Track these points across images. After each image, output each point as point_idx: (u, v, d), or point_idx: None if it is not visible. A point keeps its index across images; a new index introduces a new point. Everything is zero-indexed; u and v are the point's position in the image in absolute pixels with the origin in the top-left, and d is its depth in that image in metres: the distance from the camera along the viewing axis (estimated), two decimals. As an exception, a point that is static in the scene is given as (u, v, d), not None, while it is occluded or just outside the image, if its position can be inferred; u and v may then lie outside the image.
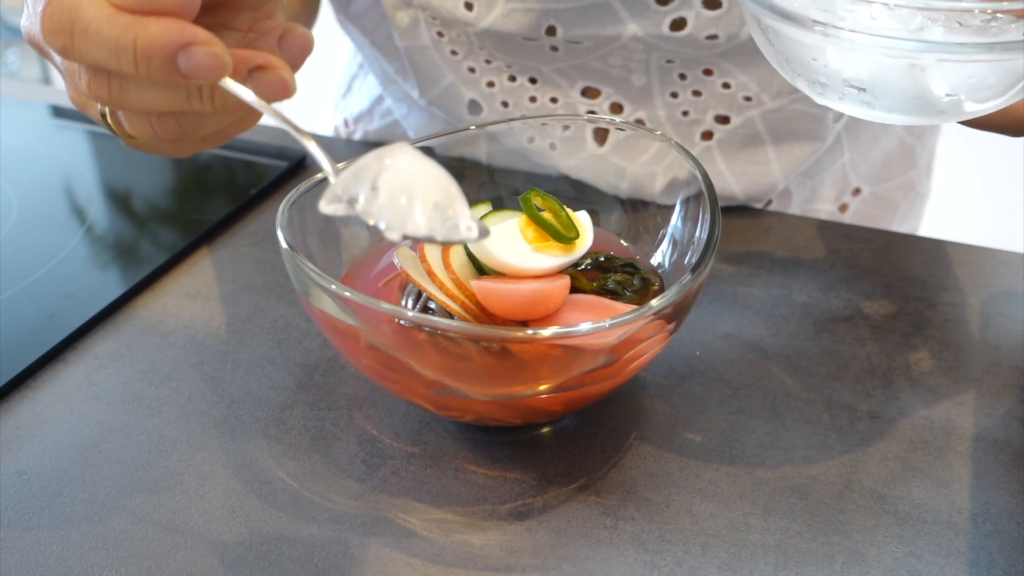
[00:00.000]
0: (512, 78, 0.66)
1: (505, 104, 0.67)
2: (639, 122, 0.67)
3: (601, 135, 0.66)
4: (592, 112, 0.67)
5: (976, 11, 0.42)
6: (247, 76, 0.40)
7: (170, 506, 0.48)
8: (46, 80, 2.38)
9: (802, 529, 0.47)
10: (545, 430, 0.52)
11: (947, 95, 0.44)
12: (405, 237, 0.37)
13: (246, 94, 0.39)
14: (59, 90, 0.94)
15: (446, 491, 0.49)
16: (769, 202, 0.73)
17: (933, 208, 0.87)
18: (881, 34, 0.42)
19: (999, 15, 0.43)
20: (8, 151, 0.79)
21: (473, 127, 0.58)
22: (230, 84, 0.39)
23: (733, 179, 0.69)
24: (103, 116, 0.43)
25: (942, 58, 0.42)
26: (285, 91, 0.40)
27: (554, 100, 0.67)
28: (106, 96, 0.39)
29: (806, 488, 0.49)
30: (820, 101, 0.48)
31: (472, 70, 0.66)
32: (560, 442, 0.52)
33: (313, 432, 0.52)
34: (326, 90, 0.90)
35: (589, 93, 0.66)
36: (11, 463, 0.51)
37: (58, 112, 0.85)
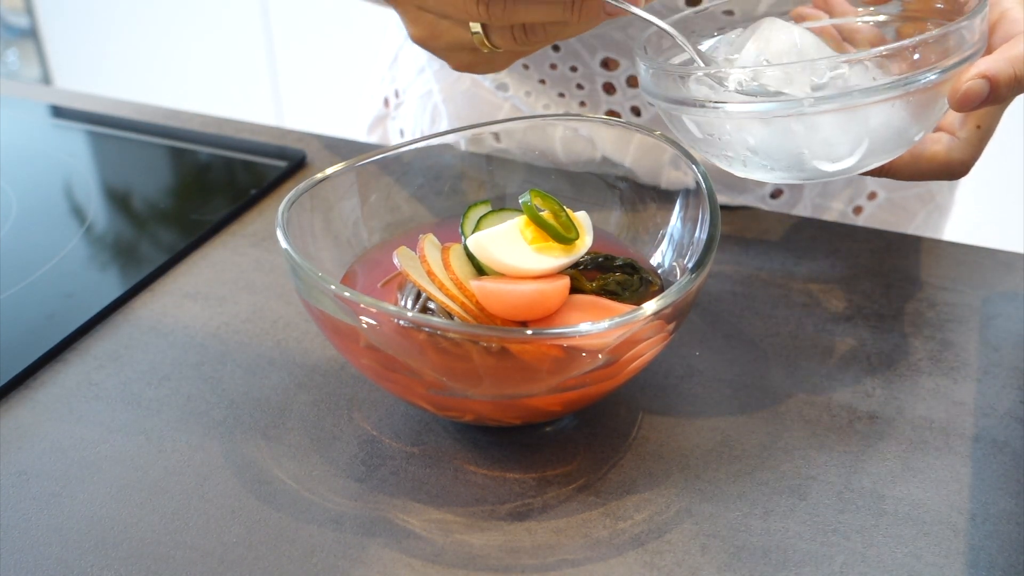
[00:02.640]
0: None
1: (526, 67, 0.70)
2: None
3: (614, 116, 0.69)
4: (609, 85, 0.69)
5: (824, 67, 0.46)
6: None
7: (170, 506, 0.48)
8: (46, 80, 2.39)
9: (801, 529, 0.47)
10: (545, 430, 0.52)
11: (816, 154, 0.48)
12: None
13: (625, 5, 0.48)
14: (59, 90, 0.94)
15: (446, 491, 0.49)
16: (780, 192, 0.73)
17: (956, 220, 0.87)
18: (734, 100, 0.46)
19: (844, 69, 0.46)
20: (8, 151, 0.79)
21: (473, 128, 0.58)
22: None
23: None
24: (475, 33, 0.50)
25: (798, 112, 0.45)
26: None
27: (574, 69, 0.69)
28: (499, 13, 0.47)
29: (805, 488, 0.49)
30: (735, 172, 0.51)
31: None
32: (560, 442, 0.52)
33: (312, 432, 0.52)
34: (375, 61, 0.91)
35: (609, 64, 0.68)
36: (11, 463, 0.51)
37: (58, 112, 0.85)
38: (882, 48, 0.45)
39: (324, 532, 0.47)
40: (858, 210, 0.77)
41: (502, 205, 0.56)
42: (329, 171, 0.54)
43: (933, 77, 0.45)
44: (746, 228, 0.69)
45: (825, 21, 0.57)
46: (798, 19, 0.58)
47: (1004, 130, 0.59)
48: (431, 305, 0.51)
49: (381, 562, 0.46)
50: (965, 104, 0.46)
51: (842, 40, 0.57)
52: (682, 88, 0.49)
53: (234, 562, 0.46)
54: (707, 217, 0.51)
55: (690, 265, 0.51)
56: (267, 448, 0.51)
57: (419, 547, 0.46)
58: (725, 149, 0.50)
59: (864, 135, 0.47)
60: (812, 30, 0.54)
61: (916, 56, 0.45)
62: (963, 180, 0.84)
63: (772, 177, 0.50)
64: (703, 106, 0.47)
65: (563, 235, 0.50)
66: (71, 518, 0.48)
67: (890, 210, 0.78)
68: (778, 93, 0.47)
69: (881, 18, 0.56)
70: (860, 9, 0.57)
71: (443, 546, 0.46)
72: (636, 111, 0.70)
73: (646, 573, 0.45)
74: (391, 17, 0.87)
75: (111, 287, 0.63)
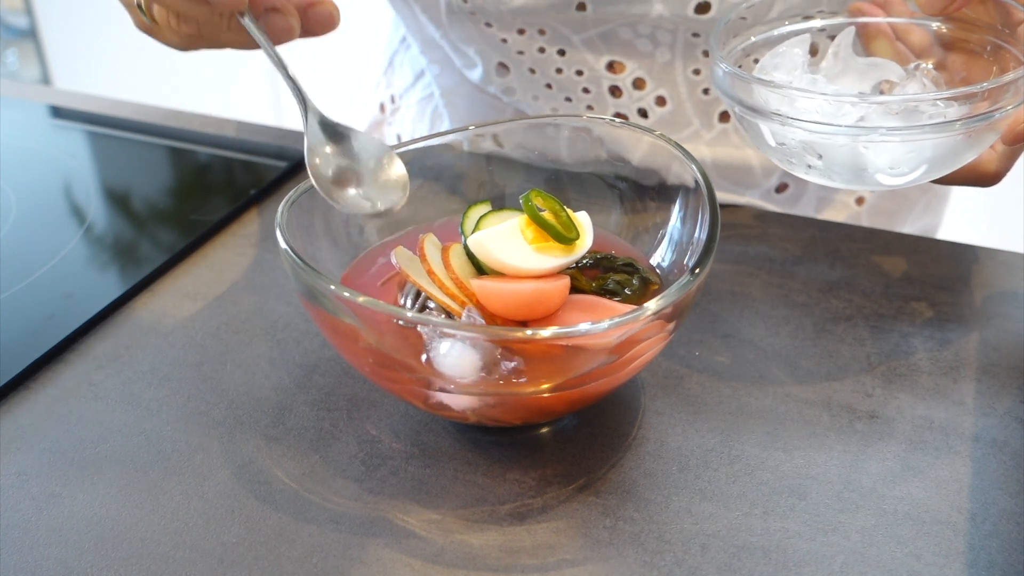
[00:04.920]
0: (541, 49, 0.69)
1: (532, 71, 0.70)
2: (660, 101, 0.69)
3: (621, 119, 0.70)
4: (615, 88, 0.69)
5: (898, 103, 0.51)
6: (263, 12, 0.47)
7: (170, 506, 0.48)
8: (46, 80, 2.39)
9: (801, 529, 0.47)
10: (544, 430, 0.52)
11: (878, 169, 0.53)
12: None
13: (254, 31, 0.47)
14: (59, 90, 0.94)
15: (445, 491, 0.49)
16: (785, 186, 0.74)
17: (954, 208, 0.88)
18: (813, 120, 0.51)
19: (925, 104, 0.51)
20: (8, 151, 0.79)
21: (473, 127, 0.58)
22: (245, 21, 0.47)
23: (750, 149, 0.71)
24: (137, 5, 0.49)
25: (867, 140, 0.51)
26: (290, 34, 0.48)
27: (579, 73, 0.69)
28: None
29: (805, 488, 0.49)
30: (794, 173, 0.55)
31: (504, 40, 0.69)
32: (559, 442, 0.52)
33: (312, 432, 0.52)
34: (368, 69, 0.91)
35: (614, 68, 0.68)
36: (11, 463, 0.51)
37: (58, 112, 0.85)
38: (951, 92, 0.51)
39: (324, 532, 0.47)
40: (860, 200, 0.77)
41: (502, 205, 0.56)
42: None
43: (995, 116, 0.50)
44: (747, 228, 0.69)
45: (881, 19, 0.60)
46: (856, 14, 0.60)
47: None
48: (430, 304, 0.51)
49: (381, 562, 0.46)
50: (1016, 141, 0.52)
51: (895, 39, 0.59)
52: (756, 95, 0.53)
53: (234, 562, 0.45)
54: (707, 217, 0.51)
55: (690, 265, 0.51)
56: (267, 448, 0.51)
57: (419, 547, 0.46)
58: (791, 156, 0.54)
59: (925, 159, 0.52)
60: (868, 26, 0.59)
61: (978, 93, 0.50)
62: None
63: (830, 183, 0.55)
64: (782, 122, 0.51)
65: (563, 235, 0.50)
66: (71, 518, 0.48)
67: (892, 199, 0.78)
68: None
69: (935, 25, 0.59)
70: (915, 10, 0.60)
71: (443, 546, 0.46)
72: (643, 113, 0.70)
73: (646, 573, 0.45)
74: (385, 22, 0.87)
75: (111, 287, 0.63)
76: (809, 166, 0.54)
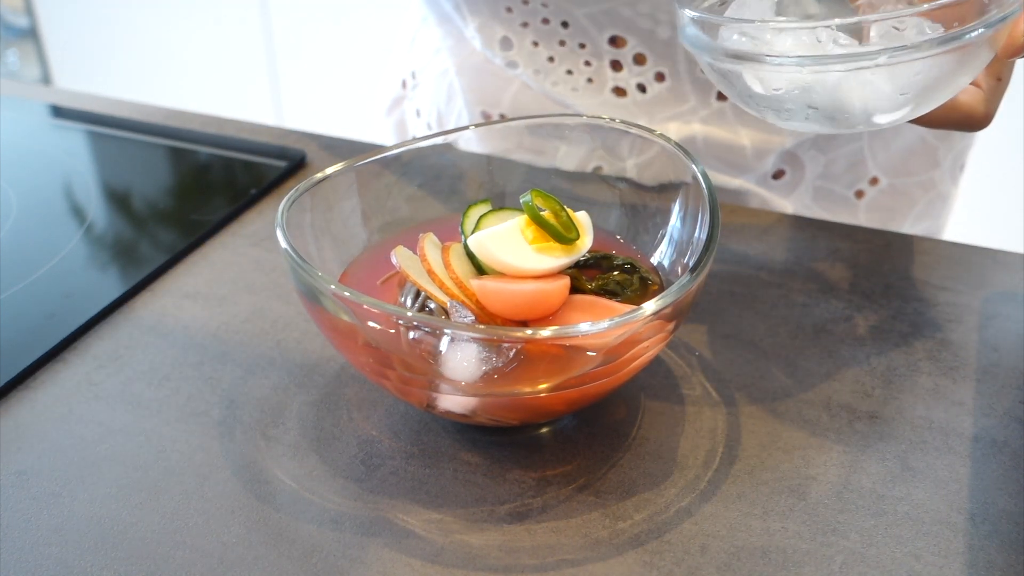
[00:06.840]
0: (545, 20, 0.69)
1: (535, 44, 0.71)
2: (659, 76, 0.70)
3: (620, 92, 0.71)
4: (616, 63, 0.70)
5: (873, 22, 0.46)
6: None
7: (170, 506, 0.48)
8: (46, 80, 2.39)
9: (801, 529, 0.47)
10: (545, 430, 0.53)
11: (874, 106, 0.48)
12: None
13: None
14: (59, 90, 0.94)
15: (445, 491, 0.49)
16: (782, 172, 0.74)
17: (959, 212, 0.87)
18: (794, 55, 0.46)
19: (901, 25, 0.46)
20: (8, 151, 0.79)
21: (473, 127, 0.58)
22: None
23: (744, 130, 0.71)
24: None
25: (875, 65, 0.45)
26: None
27: (582, 46, 0.70)
28: None
29: (805, 488, 0.49)
30: (783, 126, 0.50)
31: (509, 9, 0.70)
32: (560, 442, 0.52)
33: (312, 432, 0.52)
34: (393, 43, 0.92)
35: (616, 42, 0.69)
36: (11, 463, 0.51)
37: (58, 112, 0.85)
38: (940, 3, 0.46)
39: (324, 532, 0.47)
40: (860, 194, 0.77)
41: (502, 205, 0.56)
42: (329, 171, 0.54)
43: (985, 31, 0.46)
44: (746, 228, 0.69)
45: None
46: None
47: (1003, 130, 0.59)
48: (430, 304, 0.51)
49: (381, 562, 0.46)
50: (1017, 52, 0.48)
51: None
52: (732, 42, 0.48)
53: (234, 562, 0.46)
54: (707, 217, 0.51)
55: (690, 265, 0.51)
56: (267, 448, 0.51)
57: (419, 547, 0.46)
58: (785, 103, 0.49)
59: (923, 85, 0.48)
60: None
61: (966, 7, 0.46)
62: (968, 173, 0.85)
63: (833, 129, 0.50)
64: (772, 63, 0.46)
65: (563, 235, 0.50)
66: (71, 518, 0.48)
67: (892, 195, 0.78)
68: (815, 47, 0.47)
69: None
70: None
71: (443, 546, 0.46)
72: (642, 88, 0.70)
73: (646, 573, 0.45)
74: (406, 2, 0.88)
75: (111, 287, 0.63)
76: (810, 108, 0.49)
